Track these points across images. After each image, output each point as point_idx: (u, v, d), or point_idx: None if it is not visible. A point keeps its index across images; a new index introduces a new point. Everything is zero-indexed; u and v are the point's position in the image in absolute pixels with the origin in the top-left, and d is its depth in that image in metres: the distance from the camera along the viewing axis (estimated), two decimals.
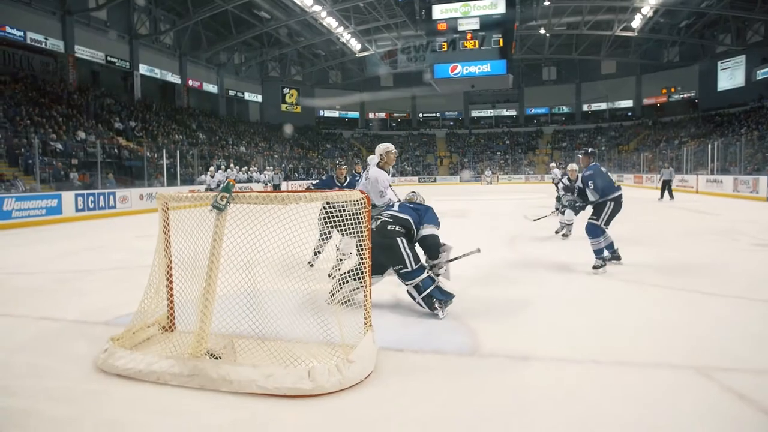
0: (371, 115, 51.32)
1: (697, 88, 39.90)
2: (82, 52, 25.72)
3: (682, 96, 41.56)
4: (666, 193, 17.20)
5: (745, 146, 21.87)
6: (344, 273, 3.92)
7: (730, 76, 36.17)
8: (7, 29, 22.12)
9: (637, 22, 33.86)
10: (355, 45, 39.06)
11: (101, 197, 14.51)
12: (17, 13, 22.45)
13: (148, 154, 19.30)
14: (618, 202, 5.63)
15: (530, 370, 2.95)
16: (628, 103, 45.61)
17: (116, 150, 19.98)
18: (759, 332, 3.52)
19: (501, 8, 18.64)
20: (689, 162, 25.35)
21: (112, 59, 27.85)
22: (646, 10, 31.84)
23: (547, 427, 2.29)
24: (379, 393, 2.63)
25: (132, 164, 19.41)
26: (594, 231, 5.57)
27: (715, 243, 7.62)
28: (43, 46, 23.82)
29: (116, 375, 2.84)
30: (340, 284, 3.85)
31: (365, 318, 3.12)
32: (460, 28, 18.95)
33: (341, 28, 35.11)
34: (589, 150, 6.09)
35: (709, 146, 23.16)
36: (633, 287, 4.93)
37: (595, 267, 5.50)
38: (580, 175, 6.08)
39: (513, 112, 50.14)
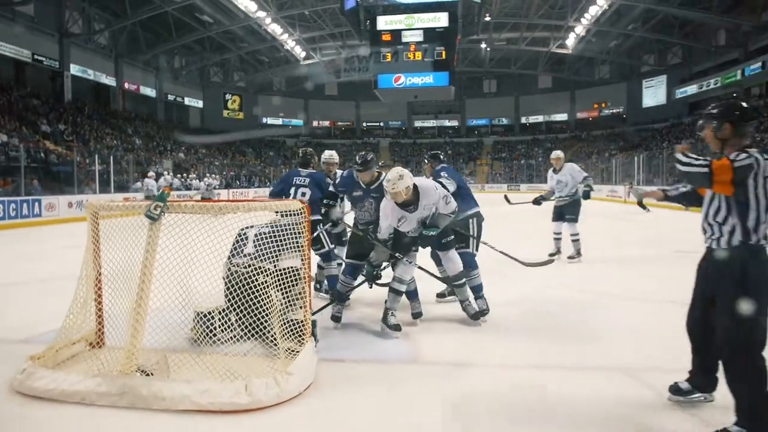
0: (315, 123, 51.05)
1: (625, 104, 42.53)
2: (4, 48, 24.01)
3: (611, 111, 44.14)
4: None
5: (667, 160, 23.52)
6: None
7: (654, 94, 38.85)
8: None
9: (571, 41, 35.80)
10: (299, 53, 38.80)
11: (24, 204, 13.55)
12: None
13: (78, 159, 18.21)
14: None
15: (469, 376, 3.02)
16: (563, 117, 47.89)
17: (43, 154, 18.73)
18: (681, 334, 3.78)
19: (444, 22, 19.13)
20: (618, 173, 26.94)
21: (40, 57, 26.14)
22: (579, 30, 33.73)
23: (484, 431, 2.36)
24: (318, 405, 2.62)
25: (61, 170, 18.25)
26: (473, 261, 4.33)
27: (641, 251, 8.12)
28: None
29: (36, 397, 2.65)
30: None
31: (304, 329, 3.09)
32: (404, 40, 19.29)
33: (286, 35, 34.78)
34: (432, 153, 5.01)
35: (636, 159, 24.72)
36: (563, 293, 5.18)
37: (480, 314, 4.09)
38: None
39: (455, 123, 51.37)
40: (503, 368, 3.15)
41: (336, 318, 3.98)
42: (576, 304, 4.71)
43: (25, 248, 9.31)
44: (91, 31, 29.32)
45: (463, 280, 4.04)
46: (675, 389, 2.58)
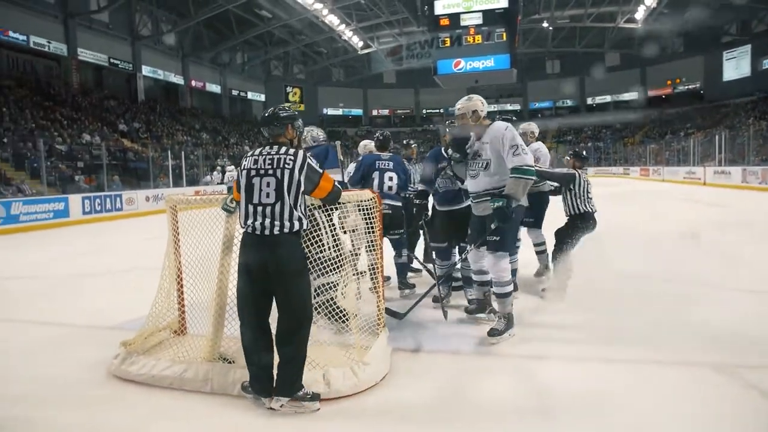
0: (375, 112, 51.24)
1: (702, 79, 39.53)
2: (85, 54, 25.73)
3: (687, 87, 41.19)
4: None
5: (753, 137, 21.63)
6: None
7: (736, 66, 35.76)
8: (11, 33, 22.10)
9: (640, 14, 33.53)
10: (357, 42, 38.95)
11: (108, 199, 14.54)
12: (20, 17, 22.42)
13: (152, 155, 19.28)
14: None
15: (546, 370, 2.91)
16: (632, 96, 45.15)
17: (121, 152, 20.00)
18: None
19: (504, 2, 18.45)
20: (696, 154, 25.14)
21: (115, 61, 27.85)
22: (650, 2, 31.51)
23: (564, 425, 2.25)
24: (394, 395, 2.60)
25: (137, 166, 19.43)
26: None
27: (726, 235, 7.52)
28: (46, 49, 23.79)
29: (129, 381, 2.82)
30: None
31: (378, 319, 3.08)
32: (462, 23, 18.79)
33: (343, 26, 34.99)
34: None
35: (717, 137, 22.93)
36: (643, 283, 4.85)
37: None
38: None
39: (517, 106, 49.85)
40: (580, 362, 2.99)
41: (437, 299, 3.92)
42: (654, 295, 4.41)
43: (109, 240, 9.97)
44: (159, 33, 30.82)
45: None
46: None
